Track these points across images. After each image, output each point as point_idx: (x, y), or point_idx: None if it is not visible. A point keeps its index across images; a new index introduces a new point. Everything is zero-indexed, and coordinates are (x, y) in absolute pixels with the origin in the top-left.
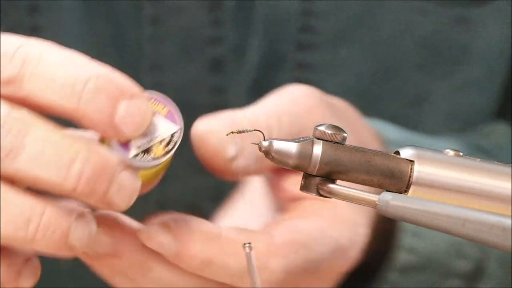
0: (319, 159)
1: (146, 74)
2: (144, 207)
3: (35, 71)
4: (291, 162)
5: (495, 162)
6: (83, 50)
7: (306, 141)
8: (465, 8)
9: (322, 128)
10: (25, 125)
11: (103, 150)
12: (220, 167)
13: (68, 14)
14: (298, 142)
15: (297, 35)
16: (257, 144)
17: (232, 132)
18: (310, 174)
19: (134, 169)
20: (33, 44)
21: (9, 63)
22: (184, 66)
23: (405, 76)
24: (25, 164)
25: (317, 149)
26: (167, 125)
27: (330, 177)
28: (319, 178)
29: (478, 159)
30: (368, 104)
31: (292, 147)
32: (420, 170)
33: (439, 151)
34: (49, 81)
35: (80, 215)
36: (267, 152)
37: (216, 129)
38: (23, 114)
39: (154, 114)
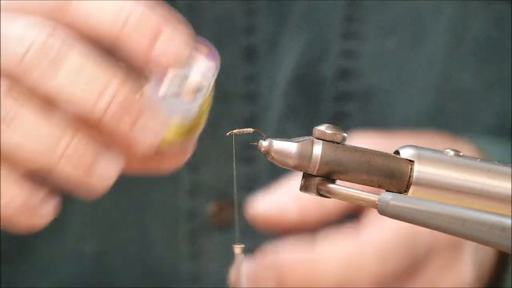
0: (319, 159)
1: None
2: (176, 194)
3: None
4: (291, 162)
5: (495, 162)
6: None
7: (306, 141)
8: (505, 6)
9: (322, 128)
10: (66, 45)
11: (135, 86)
12: (285, 229)
13: None
14: (298, 142)
15: (342, 24)
16: (257, 144)
17: (232, 132)
18: (310, 174)
19: (163, 110)
20: None
21: None
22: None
23: (444, 70)
24: (62, 81)
25: (317, 149)
26: (205, 64)
27: (330, 177)
28: (319, 178)
29: (478, 159)
30: (409, 95)
31: (292, 147)
32: (420, 170)
33: (439, 151)
34: (95, 8)
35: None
36: (267, 152)
37: (276, 208)
38: (66, 35)
39: (193, 48)
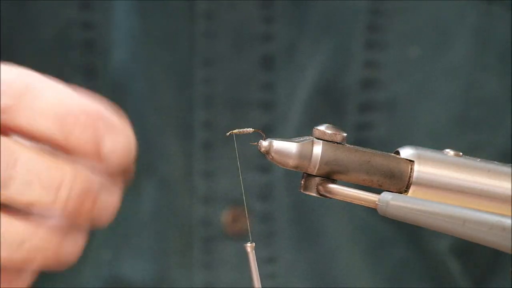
0: (319, 159)
1: (198, 70)
2: (190, 202)
3: (30, 103)
4: (291, 162)
5: (495, 162)
6: (135, 45)
7: (306, 141)
8: None
9: (322, 128)
10: (14, 154)
11: (87, 172)
12: None
13: (120, 10)
14: (298, 142)
15: (366, 33)
16: (257, 144)
17: (232, 132)
18: (310, 174)
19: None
20: (31, 76)
21: (6, 93)
22: (235, 62)
23: (469, 77)
24: (16, 191)
25: (317, 149)
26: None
27: (330, 177)
28: (319, 178)
29: (478, 159)
30: (436, 104)
31: (292, 147)
32: (420, 170)
33: (439, 151)
34: (42, 114)
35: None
36: (267, 152)
37: None
38: (12, 143)
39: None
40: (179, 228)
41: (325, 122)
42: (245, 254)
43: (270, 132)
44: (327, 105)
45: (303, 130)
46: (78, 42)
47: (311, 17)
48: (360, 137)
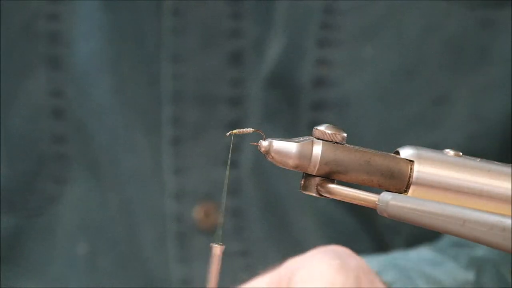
0: (319, 159)
1: (166, 65)
2: (161, 199)
3: None
4: (291, 162)
5: (495, 162)
6: (102, 39)
7: (306, 141)
8: (489, 10)
9: (322, 128)
10: None
11: None
12: None
13: (87, 2)
14: (298, 142)
15: (318, 31)
16: (257, 144)
17: (232, 132)
18: (310, 174)
19: None
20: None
21: None
22: (203, 58)
23: (427, 76)
24: None
25: (317, 149)
26: None
27: (330, 177)
28: (319, 178)
29: (478, 159)
30: (389, 104)
31: (292, 147)
32: (420, 170)
33: (439, 151)
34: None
35: None
36: (267, 152)
37: None
38: None
39: None
40: (151, 222)
41: (282, 119)
42: (210, 246)
43: (238, 127)
44: (283, 102)
45: (263, 125)
46: (43, 33)
47: (275, 14)
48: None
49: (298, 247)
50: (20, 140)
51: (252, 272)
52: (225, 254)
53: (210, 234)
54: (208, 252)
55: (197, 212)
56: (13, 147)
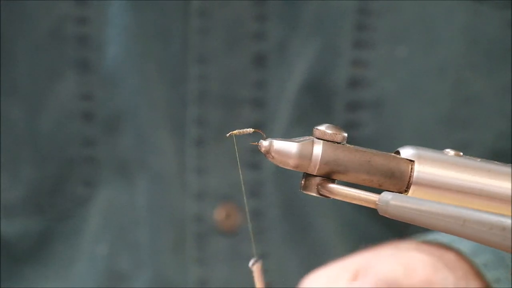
0: (319, 159)
1: (192, 66)
2: (182, 199)
3: None
4: (291, 162)
5: (495, 162)
6: (129, 41)
7: (306, 141)
8: None
9: (322, 128)
10: None
11: None
12: None
13: (115, 5)
14: (298, 142)
15: (354, 32)
16: (257, 144)
17: (232, 133)
18: (311, 174)
19: None
20: None
21: None
22: (228, 60)
23: (457, 76)
24: None
25: (317, 149)
26: None
27: (330, 177)
28: (320, 178)
29: (478, 159)
30: (421, 103)
31: (292, 147)
32: (420, 170)
33: (439, 151)
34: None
35: None
36: (267, 152)
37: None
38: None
39: None
40: (172, 224)
41: (313, 121)
42: (238, 249)
43: (261, 129)
44: (316, 104)
45: (292, 128)
46: (72, 37)
47: (302, 16)
48: (348, 136)
49: (318, 251)
50: (49, 143)
51: (272, 275)
52: (244, 256)
53: (229, 235)
54: (226, 253)
55: (218, 213)
56: (43, 150)
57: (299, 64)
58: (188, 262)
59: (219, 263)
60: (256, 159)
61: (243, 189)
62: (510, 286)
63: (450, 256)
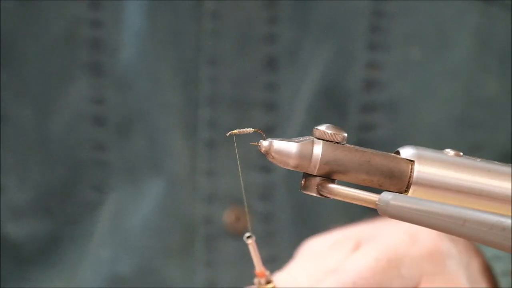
0: (319, 159)
1: (204, 68)
2: (192, 202)
3: None
4: (291, 162)
5: (495, 162)
6: (141, 44)
7: (306, 141)
8: None
9: (322, 128)
10: None
11: None
12: None
13: (128, 8)
14: (298, 142)
15: (368, 34)
16: (257, 144)
17: (232, 132)
18: (311, 174)
19: None
20: None
21: None
22: (239, 62)
23: (470, 77)
24: None
25: (317, 149)
26: None
27: (330, 177)
28: (319, 178)
29: (478, 159)
30: (435, 105)
31: (292, 147)
32: (420, 170)
33: (439, 151)
34: None
35: None
36: (267, 152)
37: None
38: None
39: None
40: (181, 227)
41: (328, 123)
42: (247, 252)
43: (273, 132)
44: (330, 106)
45: (306, 130)
46: (86, 40)
47: (315, 18)
48: (362, 138)
49: None
50: (60, 146)
51: None
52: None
53: (239, 238)
54: (235, 256)
55: (228, 216)
56: (53, 153)
57: (312, 66)
58: (197, 264)
59: (227, 266)
60: (267, 162)
61: (242, 189)
62: (510, 263)
63: None
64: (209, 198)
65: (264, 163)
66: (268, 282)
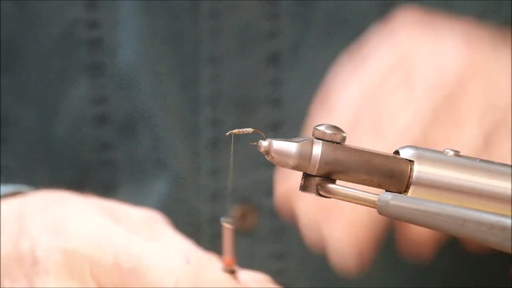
0: (318, 159)
1: (204, 68)
2: (199, 200)
3: None
4: (291, 162)
5: (495, 162)
6: (141, 43)
7: (306, 141)
8: None
9: (321, 128)
10: None
11: None
12: None
13: (125, 9)
14: (297, 142)
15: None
16: (256, 144)
17: (232, 132)
18: (310, 174)
19: None
20: None
21: None
22: (241, 60)
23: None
24: None
25: (317, 149)
26: None
27: (330, 177)
28: (319, 178)
29: (478, 159)
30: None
31: (291, 147)
32: (420, 170)
33: (439, 151)
34: None
35: None
36: (266, 152)
37: None
38: None
39: None
40: (187, 226)
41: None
42: (252, 250)
43: (279, 129)
44: None
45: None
46: (84, 41)
47: (317, 14)
48: None
49: None
50: (64, 148)
51: (290, 274)
52: (260, 257)
53: (245, 236)
54: (241, 254)
55: (233, 214)
56: (58, 155)
57: (316, 63)
58: None
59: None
60: None
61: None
62: None
63: None
64: (213, 197)
65: None
66: (232, 272)
